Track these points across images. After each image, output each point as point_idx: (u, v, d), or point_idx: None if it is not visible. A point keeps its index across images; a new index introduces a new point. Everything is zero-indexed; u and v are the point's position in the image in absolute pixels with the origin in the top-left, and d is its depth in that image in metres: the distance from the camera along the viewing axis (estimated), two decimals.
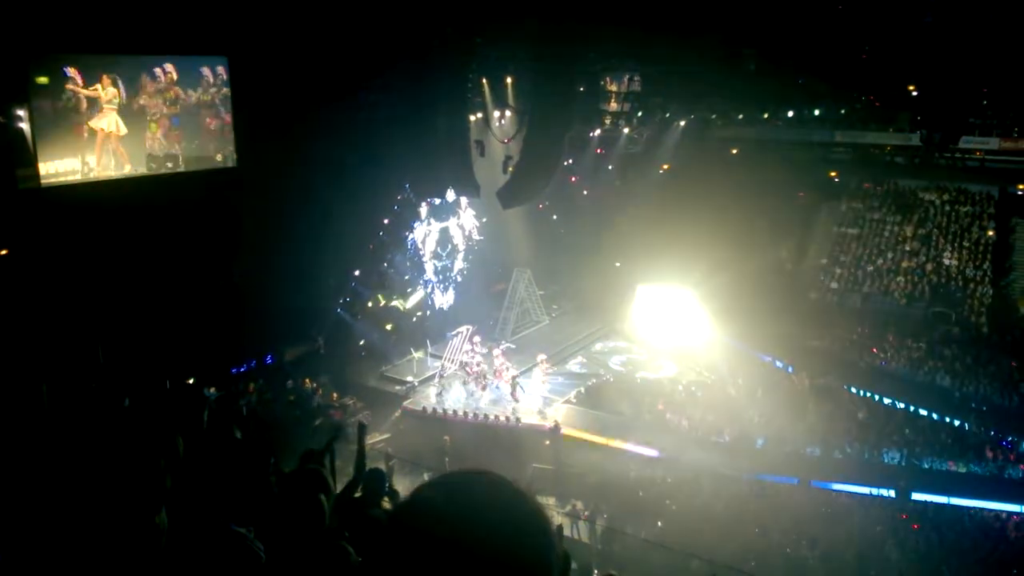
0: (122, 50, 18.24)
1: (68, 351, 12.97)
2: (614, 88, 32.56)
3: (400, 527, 1.12)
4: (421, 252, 29.07)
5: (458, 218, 30.29)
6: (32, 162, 16.55)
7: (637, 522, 19.43)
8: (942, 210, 32.54)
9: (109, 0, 16.84)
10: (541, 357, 25.77)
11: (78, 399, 6.37)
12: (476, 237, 30.78)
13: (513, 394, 23.58)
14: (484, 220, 30.85)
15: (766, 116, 33.11)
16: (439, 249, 29.77)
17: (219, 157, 20.82)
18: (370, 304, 27.42)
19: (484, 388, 24.33)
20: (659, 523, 19.49)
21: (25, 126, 16.55)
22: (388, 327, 28.10)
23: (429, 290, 29.72)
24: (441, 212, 29.68)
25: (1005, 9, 24.20)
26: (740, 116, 33.22)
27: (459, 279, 30.64)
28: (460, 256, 30.57)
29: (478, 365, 25.21)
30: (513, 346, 26.34)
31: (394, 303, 28.16)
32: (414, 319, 28.87)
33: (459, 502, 1.12)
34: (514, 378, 24.27)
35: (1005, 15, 24.05)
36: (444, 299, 30.32)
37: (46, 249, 15.90)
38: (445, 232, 30.07)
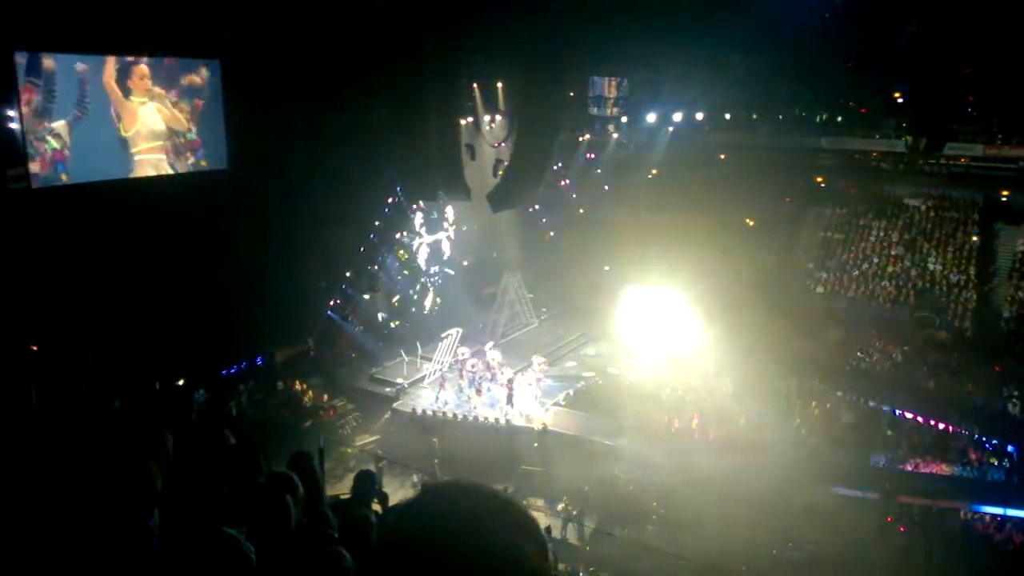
0: (114, 51, 18.23)
1: (58, 352, 12.97)
2: (603, 93, 32.73)
3: (391, 548, 1.09)
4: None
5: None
6: (22, 162, 16.52)
7: (625, 524, 19.55)
8: (927, 216, 32.80)
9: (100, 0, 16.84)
10: (539, 360, 25.73)
11: (67, 400, 6.40)
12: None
13: (509, 397, 23.55)
14: (474, 224, 30.96)
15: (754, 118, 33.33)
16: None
17: (208, 159, 20.82)
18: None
19: (480, 392, 24.29)
20: (647, 525, 19.60)
21: (15, 126, 16.51)
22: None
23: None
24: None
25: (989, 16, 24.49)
26: (727, 116, 33.40)
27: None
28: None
29: (472, 367, 25.17)
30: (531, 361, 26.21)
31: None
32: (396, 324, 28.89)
33: (449, 518, 1.09)
34: (509, 381, 24.21)
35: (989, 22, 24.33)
36: (433, 301, 30.35)
37: (35, 250, 15.86)
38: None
